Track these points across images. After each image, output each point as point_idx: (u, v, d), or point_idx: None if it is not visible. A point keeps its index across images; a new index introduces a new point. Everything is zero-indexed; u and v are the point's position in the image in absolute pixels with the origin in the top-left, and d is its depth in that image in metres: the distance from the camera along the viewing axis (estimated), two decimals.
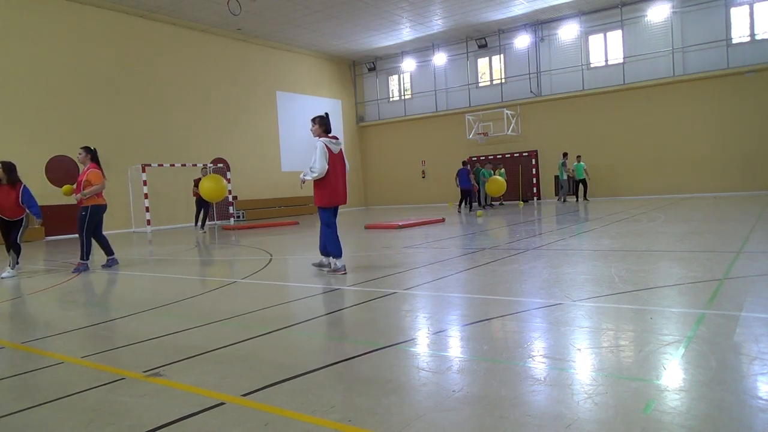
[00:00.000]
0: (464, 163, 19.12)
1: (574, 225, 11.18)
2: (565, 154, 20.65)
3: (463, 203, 19.14)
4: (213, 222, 20.64)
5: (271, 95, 23.87)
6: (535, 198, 23.58)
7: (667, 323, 3.48)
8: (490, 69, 25.21)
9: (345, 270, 6.21)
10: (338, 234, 6.35)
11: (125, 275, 7.49)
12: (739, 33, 19.41)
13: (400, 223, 12.94)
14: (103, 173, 8.13)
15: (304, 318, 4.23)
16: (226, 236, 13.97)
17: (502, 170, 21.30)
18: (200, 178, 14.72)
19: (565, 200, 20.97)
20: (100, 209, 8.12)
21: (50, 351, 3.61)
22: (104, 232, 8.50)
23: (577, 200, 21.00)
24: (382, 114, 28.06)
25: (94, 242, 8.27)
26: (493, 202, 21.88)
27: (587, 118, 22.00)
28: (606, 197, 21.32)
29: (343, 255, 6.34)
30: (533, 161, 23.42)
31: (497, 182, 19.13)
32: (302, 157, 24.32)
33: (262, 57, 23.46)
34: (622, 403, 2.29)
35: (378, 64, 27.59)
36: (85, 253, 8.05)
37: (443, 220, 14.27)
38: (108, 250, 8.34)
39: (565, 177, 20.67)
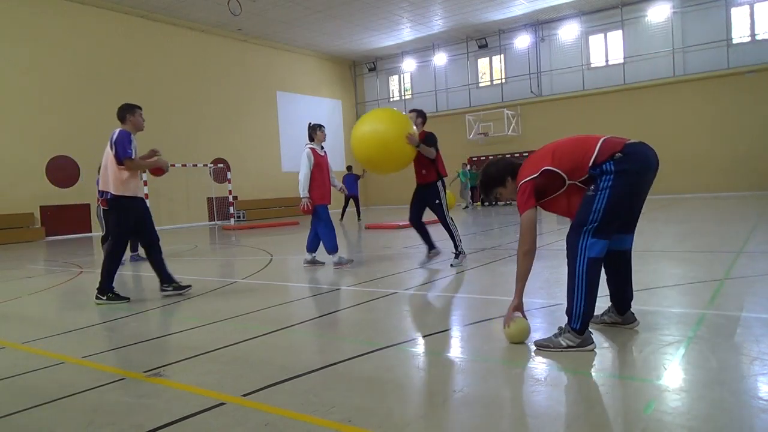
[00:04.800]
0: (349, 168, 17.39)
1: None
2: None
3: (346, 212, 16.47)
4: (213, 222, 20.65)
5: (271, 95, 23.88)
6: None
7: (668, 323, 3.47)
8: (490, 69, 25.21)
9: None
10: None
11: (125, 275, 7.49)
12: (740, 33, 19.41)
13: (400, 223, 12.94)
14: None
15: (304, 318, 4.23)
16: (227, 236, 13.98)
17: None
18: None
19: None
20: None
21: (50, 351, 3.60)
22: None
23: None
24: None
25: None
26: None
27: (587, 119, 21.99)
28: None
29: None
30: None
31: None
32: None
33: (262, 57, 23.46)
34: (623, 403, 2.28)
35: (378, 64, 27.59)
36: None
37: None
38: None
39: None
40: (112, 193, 5.18)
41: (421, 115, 6.59)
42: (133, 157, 5.16)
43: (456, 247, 6.39)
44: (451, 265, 6.21)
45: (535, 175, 3.08)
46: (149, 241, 5.37)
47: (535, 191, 3.10)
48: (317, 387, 2.65)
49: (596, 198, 2.92)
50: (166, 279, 5.41)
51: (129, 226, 5.26)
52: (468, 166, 21.97)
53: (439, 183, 6.43)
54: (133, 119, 5.39)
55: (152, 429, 2.26)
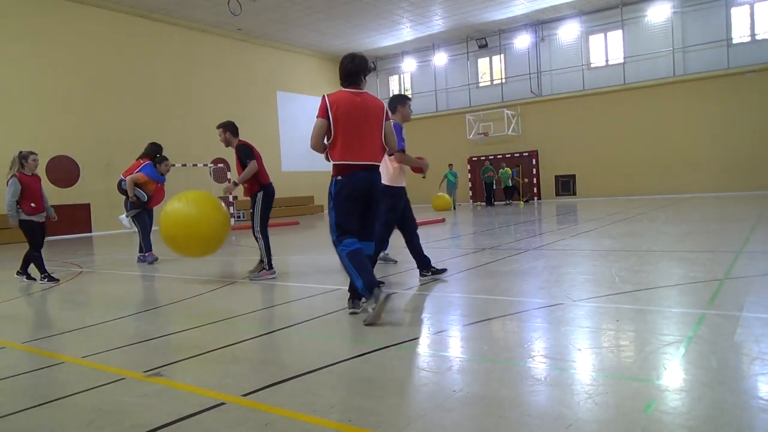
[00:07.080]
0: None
1: (574, 225, 11.17)
2: None
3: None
4: None
5: (271, 95, 23.88)
6: (535, 198, 23.60)
7: (668, 323, 3.47)
8: (490, 69, 25.21)
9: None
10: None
11: (125, 275, 7.50)
12: (740, 33, 19.42)
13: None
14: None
15: (304, 318, 4.23)
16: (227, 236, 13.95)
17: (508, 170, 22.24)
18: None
19: None
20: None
21: (50, 351, 3.61)
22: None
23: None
24: None
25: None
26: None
27: (587, 118, 22.00)
28: (605, 197, 21.31)
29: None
30: (533, 161, 23.43)
31: (442, 199, 19.39)
32: (303, 157, 24.35)
33: (262, 57, 23.46)
34: (623, 403, 2.28)
35: (378, 64, 27.60)
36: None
37: (443, 220, 14.27)
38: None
39: None
40: (385, 183, 5.29)
41: (228, 129, 6.55)
42: (404, 148, 5.29)
43: (261, 260, 6.24)
44: (249, 276, 6.18)
45: (329, 111, 3.85)
46: (410, 227, 5.59)
47: (325, 112, 3.87)
48: (317, 387, 2.65)
49: (329, 213, 3.96)
50: (424, 265, 5.51)
51: (398, 212, 5.46)
52: (453, 167, 22.04)
53: (261, 193, 6.27)
54: (403, 111, 5.52)
55: (152, 429, 2.26)
